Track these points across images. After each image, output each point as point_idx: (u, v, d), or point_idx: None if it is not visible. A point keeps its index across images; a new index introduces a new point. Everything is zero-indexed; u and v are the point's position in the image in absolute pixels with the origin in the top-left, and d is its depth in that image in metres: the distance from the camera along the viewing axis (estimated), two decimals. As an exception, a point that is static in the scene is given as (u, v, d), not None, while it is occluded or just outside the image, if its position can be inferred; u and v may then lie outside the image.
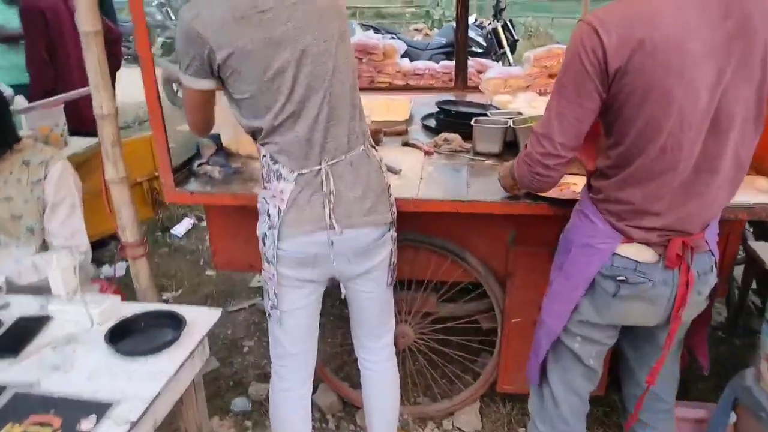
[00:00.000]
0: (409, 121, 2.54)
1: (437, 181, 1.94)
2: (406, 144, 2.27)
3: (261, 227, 1.59)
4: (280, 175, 1.52)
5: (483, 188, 1.88)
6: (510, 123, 2.15)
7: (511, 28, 6.44)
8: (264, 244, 1.58)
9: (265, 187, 1.58)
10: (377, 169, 1.61)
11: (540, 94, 2.84)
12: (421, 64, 3.41)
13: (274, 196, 1.54)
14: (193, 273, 3.51)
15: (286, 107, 1.46)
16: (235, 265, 2.27)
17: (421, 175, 1.99)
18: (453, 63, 3.36)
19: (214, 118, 1.65)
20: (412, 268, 2.08)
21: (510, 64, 5.86)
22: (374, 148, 1.64)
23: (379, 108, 2.62)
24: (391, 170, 1.96)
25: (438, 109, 2.54)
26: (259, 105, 1.46)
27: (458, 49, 3.08)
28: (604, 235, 1.38)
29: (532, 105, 2.63)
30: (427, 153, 2.16)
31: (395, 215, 1.67)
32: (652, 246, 1.36)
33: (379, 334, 1.84)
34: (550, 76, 2.90)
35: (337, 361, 2.61)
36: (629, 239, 1.36)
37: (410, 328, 2.21)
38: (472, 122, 2.17)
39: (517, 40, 6.64)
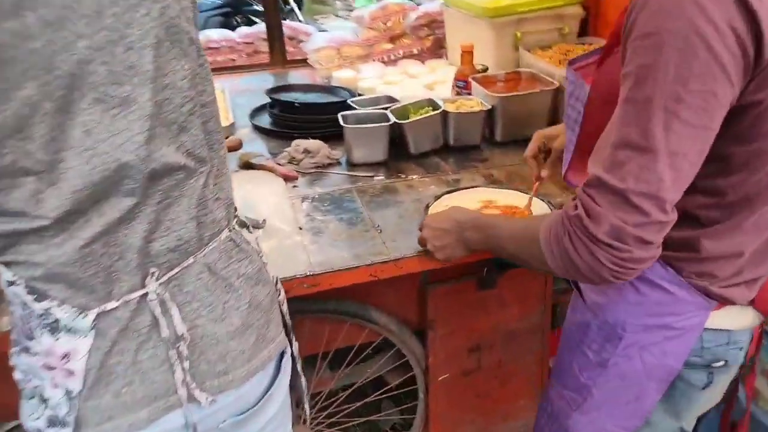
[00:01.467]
0: (233, 125, 1.75)
1: (329, 231, 1.24)
2: (247, 166, 1.50)
3: (31, 419, 0.77)
4: (56, 321, 0.71)
5: (398, 230, 1.26)
6: (391, 118, 1.53)
7: (291, -19, 5.64)
8: None
9: (25, 348, 0.75)
10: (258, 263, 0.87)
11: (384, 63, 2.27)
12: (215, 35, 2.55)
13: (52, 367, 0.72)
14: None
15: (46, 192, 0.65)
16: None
17: (297, 222, 1.27)
18: (254, 31, 2.59)
19: None
20: (299, 344, 1.40)
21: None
22: (247, 227, 0.89)
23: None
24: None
25: (270, 101, 1.81)
26: None
27: (269, 11, 2.30)
28: (689, 308, 0.89)
29: (386, 81, 2.06)
30: (288, 178, 1.44)
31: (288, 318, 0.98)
32: (749, 303, 0.92)
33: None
34: (392, 39, 2.33)
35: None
36: (724, 303, 0.89)
37: (308, 429, 1.54)
38: (341, 121, 1.51)
39: (304, -5, 5.88)
